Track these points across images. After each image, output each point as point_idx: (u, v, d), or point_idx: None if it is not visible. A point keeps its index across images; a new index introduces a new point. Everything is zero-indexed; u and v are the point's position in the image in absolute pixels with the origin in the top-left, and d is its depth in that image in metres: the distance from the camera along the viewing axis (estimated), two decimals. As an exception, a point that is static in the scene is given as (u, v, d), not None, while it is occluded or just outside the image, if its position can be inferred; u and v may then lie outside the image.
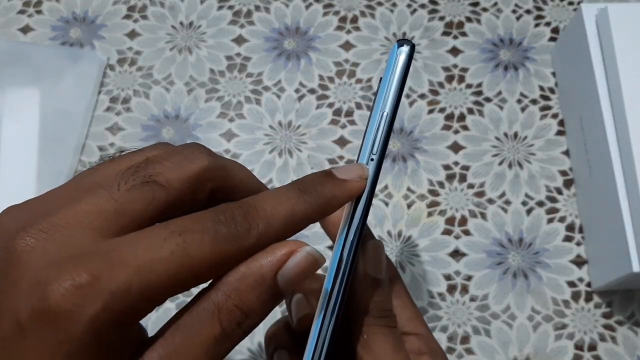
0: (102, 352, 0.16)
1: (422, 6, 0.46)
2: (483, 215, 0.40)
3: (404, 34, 0.45)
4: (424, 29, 0.45)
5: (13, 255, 0.17)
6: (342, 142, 0.42)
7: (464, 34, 0.45)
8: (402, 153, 0.41)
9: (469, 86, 0.43)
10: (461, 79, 0.43)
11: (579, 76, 0.39)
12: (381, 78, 0.22)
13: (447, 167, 0.41)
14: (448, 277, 0.38)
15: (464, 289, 0.38)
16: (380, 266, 0.24)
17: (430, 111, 0.43)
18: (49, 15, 0.45)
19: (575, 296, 0.38)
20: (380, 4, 0.46)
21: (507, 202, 0.40)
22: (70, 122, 0.41)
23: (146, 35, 0.45)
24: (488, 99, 0.43)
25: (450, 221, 0.40)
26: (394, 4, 0.46)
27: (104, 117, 0.42)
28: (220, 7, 0.46)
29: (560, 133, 0.42)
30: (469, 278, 0.38)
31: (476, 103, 0.43)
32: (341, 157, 0.41)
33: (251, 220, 0.18)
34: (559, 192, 0.40)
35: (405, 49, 0.22)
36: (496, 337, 0.37)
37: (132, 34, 0.45)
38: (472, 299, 0.38)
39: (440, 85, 0.43)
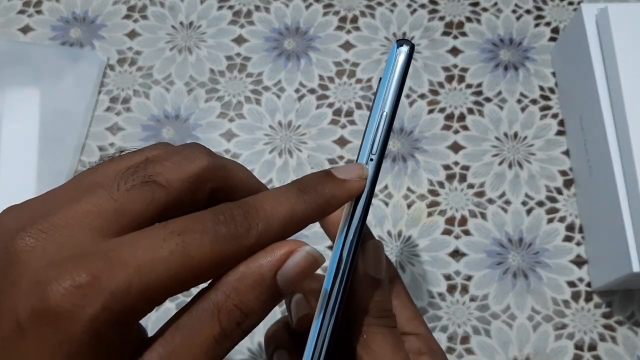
0: (101, 352, 0.16)
1: (422, 6, 0.46)
2: (483, 215, 0.40)
3: (404, 34, 0.45)
4: (424, 29, 0.45)
5: (13, 255, 0.17)
6: (342, 142, 0.42)
7: (464, 34, 0.45)
8: (402, 153, 0.41)
9: (469, 86, 0.43)
10: (461, 79, 0.43)
11: (579, 76, 0.39)
12: (381, 78, 0.22)
13: (447, 167, 0.41)
14: (448, 277, 0.38)
15: (464, 289, 0.38)
16: (380, 266, 0.24)
17: (430, 111, 0.43)
18: (49, 15, 0.45)
19: (575, 296, 0.38)
20: (380, 4, 0.46)
21: (507, 202, 0.40)
22: (70, 122, 0.42)
23: (146, 35, 0.45)
24: (488, 99, 0.43)
25: (450, 221, 0.40)
26: (394, 4, 0.46)
27: (104, 117, 0.42)
28: (220, 7, 0.46)
29: (560, 133, 0.42)
30: (469, 278, 0.38)
31: (476, 103, 0.43)
32: (341, 157, 0.41)
33: (251, 220, 0.18)
34: (559, 192, 0.40)
35: (405, 49, 0.22)
36: (496, 337, 0.37)
37: (132, 34, 0.45)
38: (472, 299, 0.38)
39: (440, 85, 0.43)
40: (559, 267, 0.39)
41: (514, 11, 0.46)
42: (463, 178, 0.41)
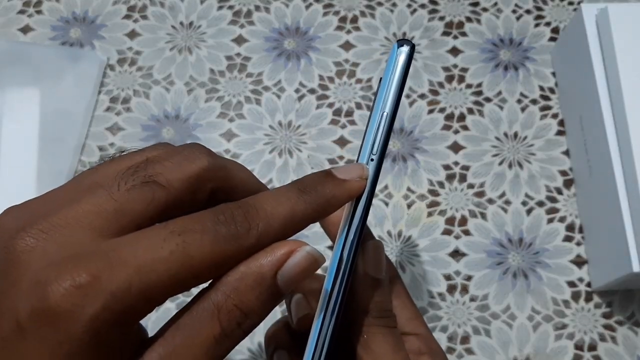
0: (102, 352, 0.16)
1: (422, 6, 0.46)
2: (483, 215, 0.40)
3: (404, 34, 0.45)
4: (424, 29, 0.45)
5: (13, 255, 0.17)
6: (342, 142, 0.42)
7: (464, 34, 0.45)
8: (402, 153, 0.41)
9: (469, 86, 0.43)
10: (461, 79, 0.43)
11: (579, 76, 0.39)
12: (381, 78, 0.22)
13: (447, 167, 0.41)
14: (448, 277, 0.38)
15: (464, 289, 0.38)
16: (380, 266, 0.24)
17: (430, 111, 0.43)
18: (49, 15, 0.45)
19: (575, 296, 0.38)
20: (380, 4, 0.46)
21: (507, 202, 0.40)
22: (70, 122, 0.41)
23: (146, 35, 0.45)
24: (488, 99, 0.43)
25: (450, 221, 0.40)
26: (394, 4, 0.46)
27: (104, 117, 0.42)
28: (220, 7, 0.46)
29: (560, 133, 0.42)
30: (469, 278, 0.38)
31: (476, 103, 0.43)
32: (341, 157, 0.41)
33: (251, 220, 0.18)
34: (559, 192, 0.40)
35: (405, 49, 0.22)
36: (496, 337, 0.37)
37: (132, 34, 0.45)
38: (472, 299, 0.38)
39: (440, 85, 0.43)
40: (559, 267, 0.39)
41: (514, 11, 0.46)
42: (463, 178, 0.41)
